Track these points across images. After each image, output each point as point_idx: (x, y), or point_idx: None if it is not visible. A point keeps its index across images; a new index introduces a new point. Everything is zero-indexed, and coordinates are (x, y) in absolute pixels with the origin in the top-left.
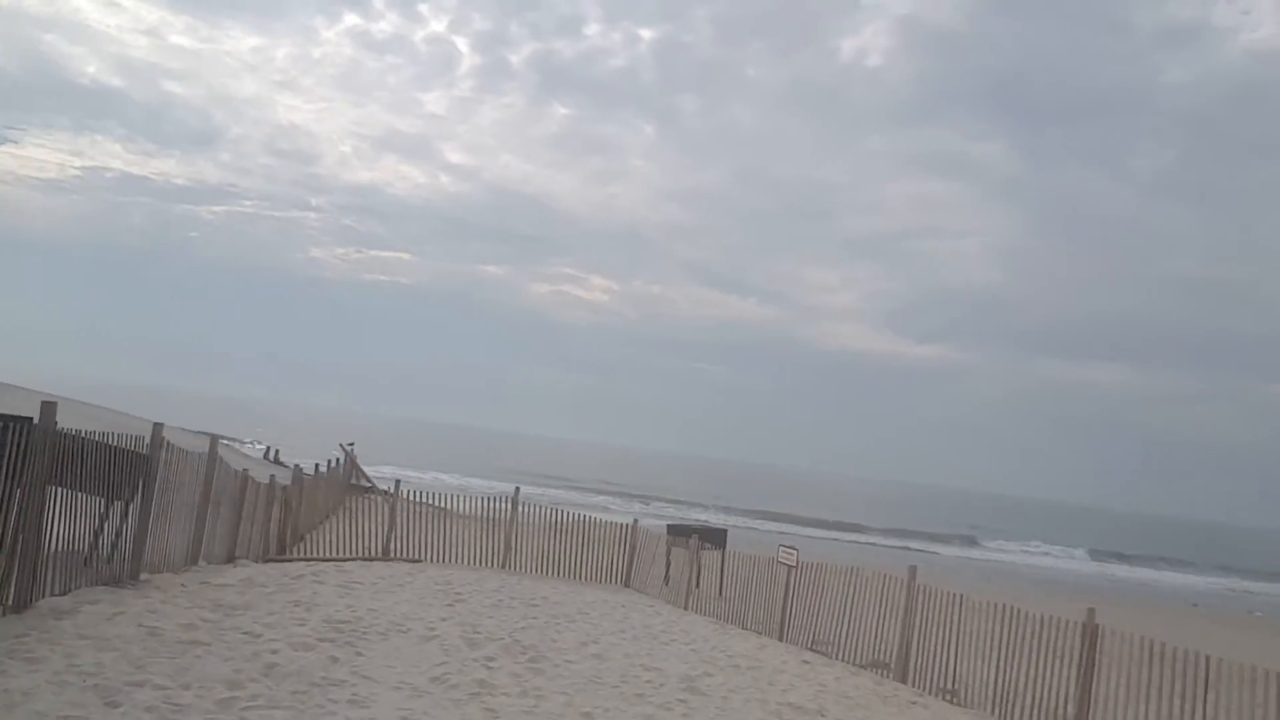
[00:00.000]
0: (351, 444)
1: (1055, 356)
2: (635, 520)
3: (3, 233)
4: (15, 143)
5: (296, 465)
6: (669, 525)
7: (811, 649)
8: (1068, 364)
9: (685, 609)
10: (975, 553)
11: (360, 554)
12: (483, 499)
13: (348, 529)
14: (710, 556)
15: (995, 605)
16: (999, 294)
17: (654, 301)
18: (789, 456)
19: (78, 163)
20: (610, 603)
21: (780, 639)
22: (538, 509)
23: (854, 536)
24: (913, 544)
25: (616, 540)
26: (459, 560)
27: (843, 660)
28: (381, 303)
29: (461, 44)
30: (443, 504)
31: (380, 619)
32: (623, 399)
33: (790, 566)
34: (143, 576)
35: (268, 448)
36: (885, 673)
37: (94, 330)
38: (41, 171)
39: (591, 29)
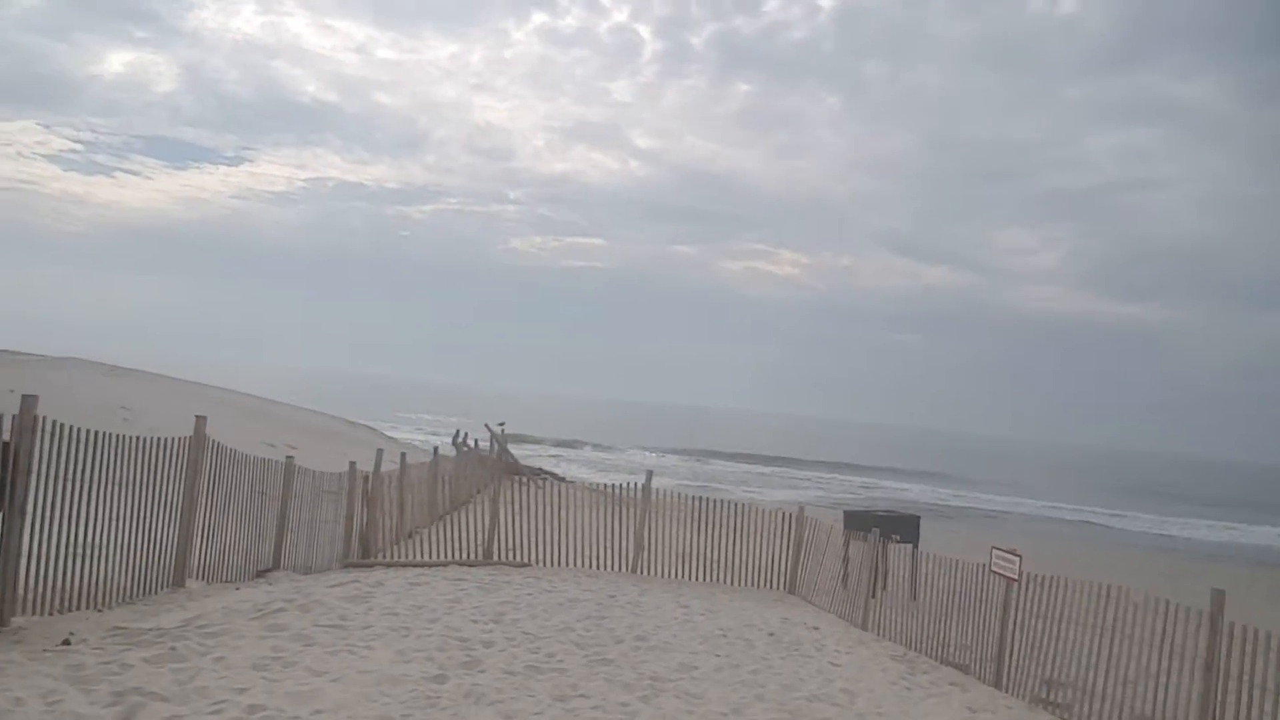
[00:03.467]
0: (501, 424)
1: None
2: (801, 508)
3: (244, 244)
4: (251, 162)
5: (379, 449)
6: (846, 512)
7: (1044, 699)
8: None
9: (864, 628)
10: (1245, 536)
11: (459, 557)
12: (610, 485)
13: (454, 525)
14: (898, 553)
15: None
16: (1214, 246)
17: (844, 273)
18: (988, 424)
19: (303, 175)
20: (754, 629)
21: (997, 685)
22: (680, 496)
23: (1079, 511)
24: (1152, 523)
25: (778, 533)
26: (578, 562)
27: None
28: (578, 287)
29: (644, 31)
30: (573, 484)
31: None
32: (816, 371)
33: (1010, 579)
34: (15, 621)
35: (456, 431)
36: None
37: (322, 327)
38: (273, 186)
39: (770, 4)
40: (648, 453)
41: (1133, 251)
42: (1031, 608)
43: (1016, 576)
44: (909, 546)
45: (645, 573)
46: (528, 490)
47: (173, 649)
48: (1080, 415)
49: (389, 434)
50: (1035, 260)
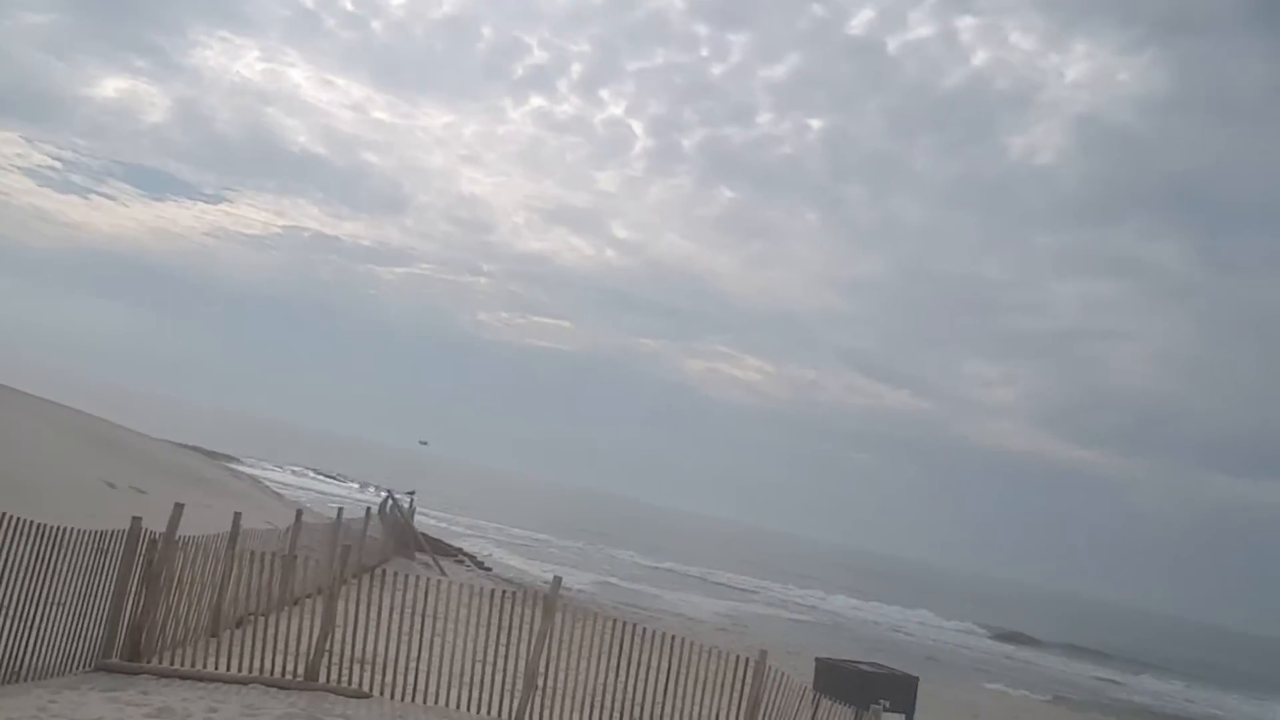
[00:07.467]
0: (412, 493)
1: (1231, 473)
2: (763, 654)
3: (214, 282)
4: (230, 202)
5: (178, 504)
6: (819, 662)
7: None
8: (1245, 482)
9: None
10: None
11: (277, 669)
12: (499, 590)
13: (297, 619)
14: None
15: None
16: (1171, 402)
17: (807, 386)
18: (925, 548)
19: (280, 222)
20: None
21: None
22: (598, 617)
23: (1019, 650)
24: (1102, 672)
25: (726, 683)
26: (443, 697)
27: None
28: (540, 367)
29: (637, 127)
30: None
31: None
32: (768, 480)
33: None
34: None
35: (386, 497)
36: None
37: (274, 374)
38: (249, 228)
39: (763, 117)
40: (584, 545)
41: (1088, 398)
42: None
43: None
44: (900, 717)
45: None
46: (405, 582)
47: None
48: (1015, 549)
49: (280, 490)
50: (994, 395)
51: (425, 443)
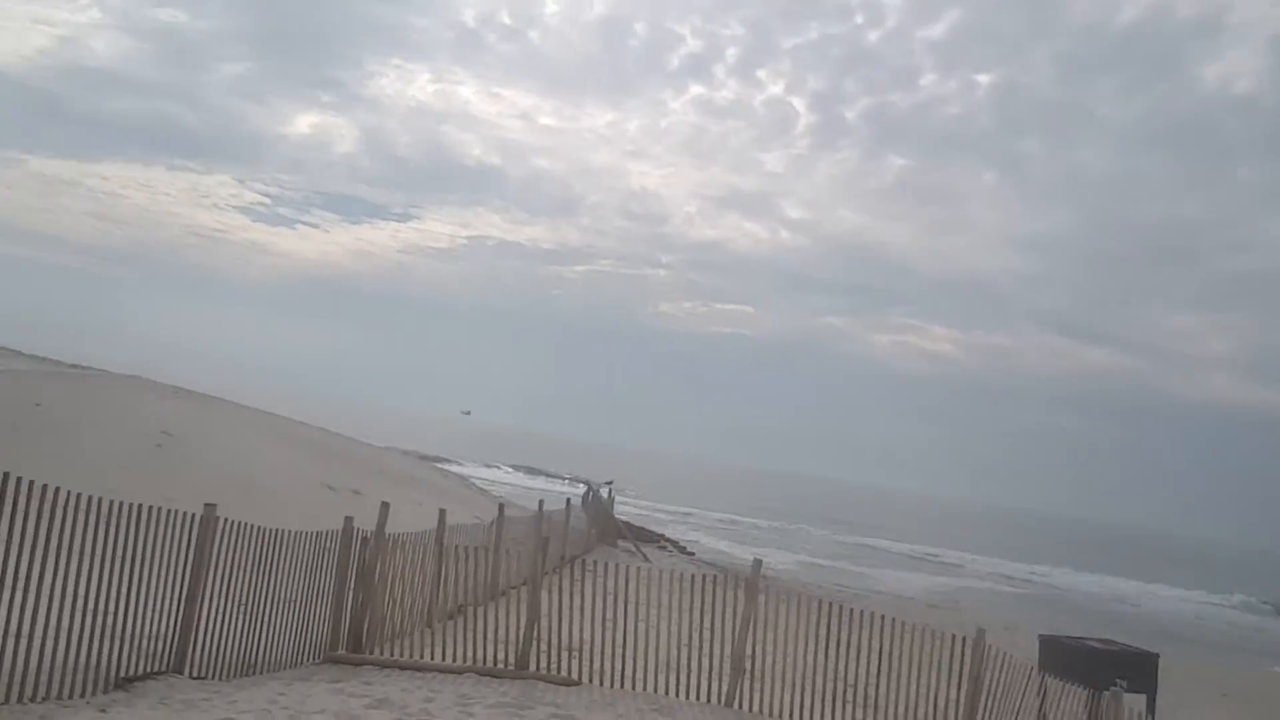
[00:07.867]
0: (610, 483)
1: None
2: (981, 632)
3: (410, 297)
4: (419, 219)
5: (384, 503)
6: (1043, 639)
7: None
8: None
9: None
10: None
11: (490, 659)
12: (698, 575)
13: (504, 610)
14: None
15: None
16: None
17: (998, 351)
18: (1147, 516)
19: (465, 233)
20: None
21: None
22: (803, 597)
23: (1272, 621)
24: None
25: (943, 662)
26: (650, 683)
27: None
28: (726, 354)
29: (798, 104)
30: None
31: None
32: (968, 451)
33: None
34: None
35: (587, 488)
36: None
37: (472, 379)
38: (436, 242)
39: (926, 79)
40: (783, 524)
41: None
42: None
43: None
44: (1142, 698)
45: (746, 708)
46: (606, 570)
47: None
48: (1245, 511)
49: (486, 486)
50: (1204, 346)
51: (468, 412)
